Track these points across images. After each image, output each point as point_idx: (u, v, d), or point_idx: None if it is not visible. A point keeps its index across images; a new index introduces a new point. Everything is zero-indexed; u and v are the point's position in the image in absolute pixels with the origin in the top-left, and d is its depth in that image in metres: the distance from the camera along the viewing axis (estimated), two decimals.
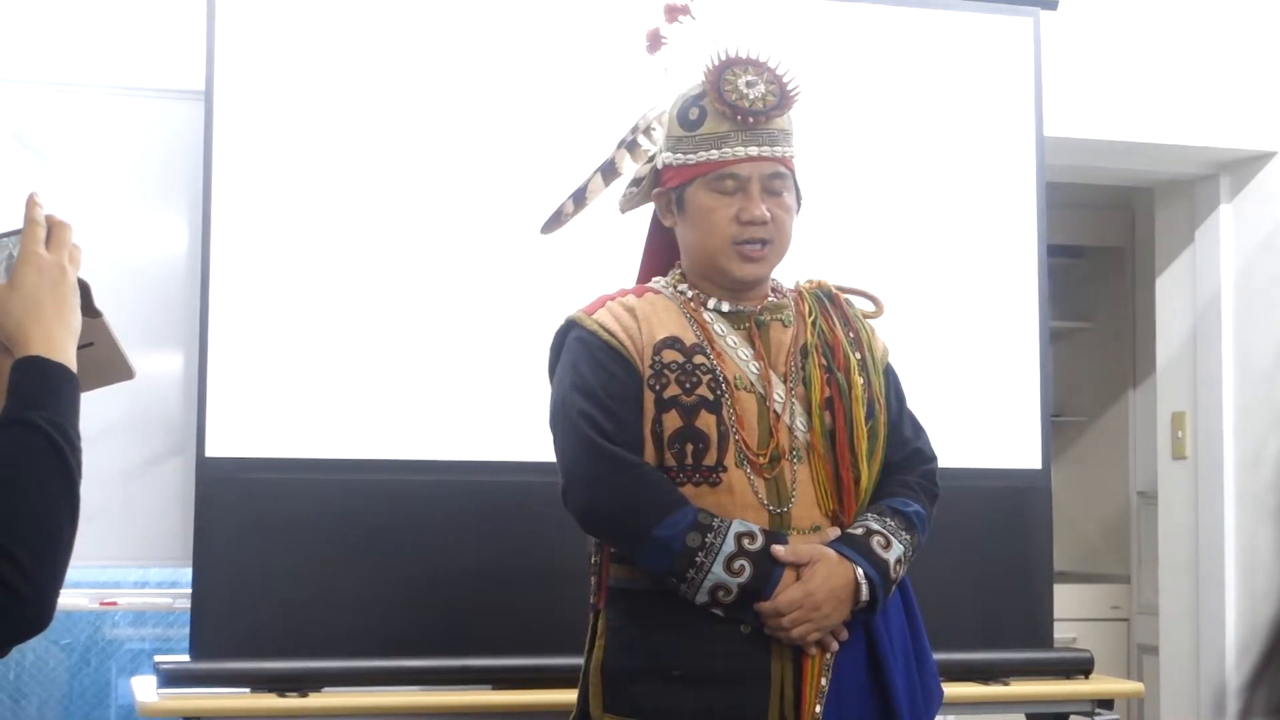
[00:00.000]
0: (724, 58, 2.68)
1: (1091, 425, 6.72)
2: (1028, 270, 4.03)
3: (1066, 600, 5.26)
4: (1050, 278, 4.15)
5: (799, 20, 3.90)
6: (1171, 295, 5.31)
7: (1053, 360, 4.35)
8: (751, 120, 2.65)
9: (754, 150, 2.65)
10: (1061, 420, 6.38)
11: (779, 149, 2.68)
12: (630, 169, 2.96)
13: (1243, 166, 4.96)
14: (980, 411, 3.92)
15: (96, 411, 3.55)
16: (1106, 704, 3.77)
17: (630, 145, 3.01)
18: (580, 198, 3.09)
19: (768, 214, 2.64)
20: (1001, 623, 3.90)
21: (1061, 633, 4.33)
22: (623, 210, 2.91)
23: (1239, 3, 4.80)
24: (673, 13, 2.87)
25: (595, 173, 3.08)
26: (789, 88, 2.68)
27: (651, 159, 2.85)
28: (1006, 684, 3.74)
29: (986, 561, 3.88)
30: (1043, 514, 3.99)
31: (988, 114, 4.07)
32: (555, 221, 3.11)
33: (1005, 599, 3.92)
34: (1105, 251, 6.65)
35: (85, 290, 1.78)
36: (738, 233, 2.65)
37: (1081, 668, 3.86)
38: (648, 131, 2.95)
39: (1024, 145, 4.07)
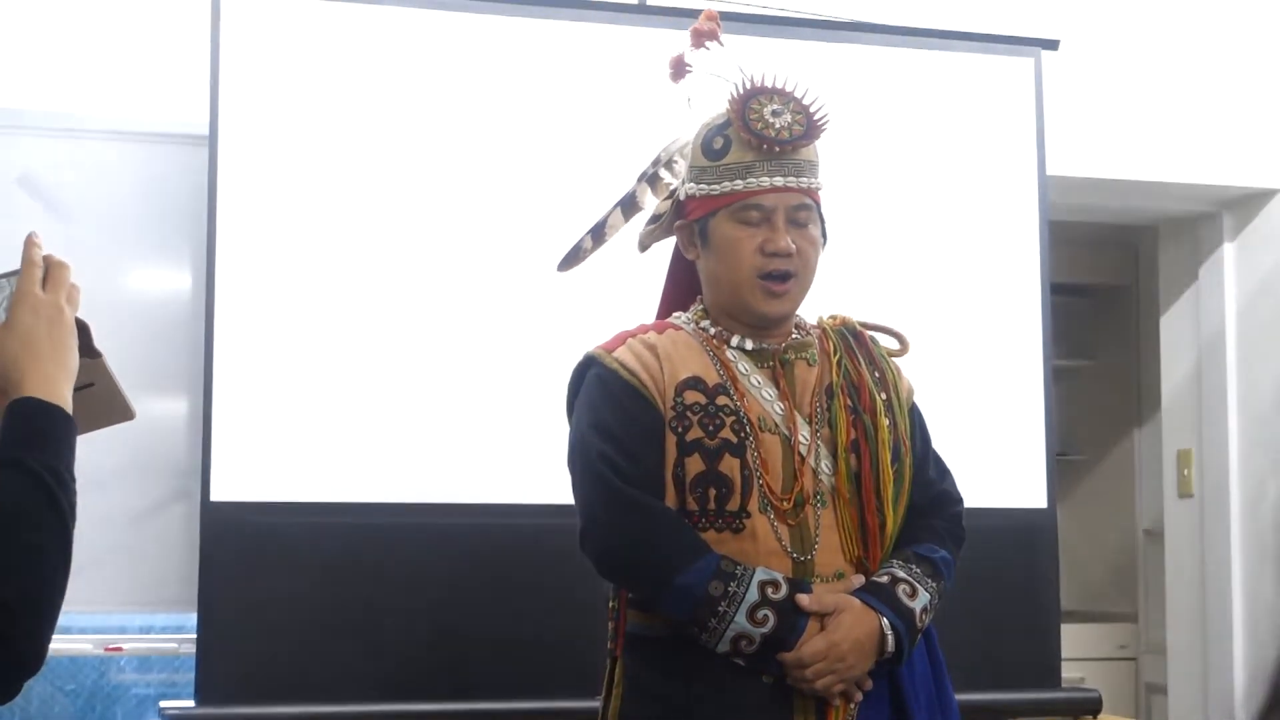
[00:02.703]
0: (750, 86, 2.62)
1: (1097, 463, 6.72)
2: (1031, 308, 4.04)
3: (1074, 639, 5.24)
4: (1054, 316, 4.15)
5: (803, 62, 3.90)
6: (1175, 333, 5.31)
7: (1057, 398, 4.35)
8: (777, 149, 2.58)
9: (779, 181, 2.58)
10: (1066, 459, 6.37)
11: (805, 180, 2.60)
12: (651, 204, 2.87)
13: (1245, 204, 4.96)
14: (985, 450, 3.90)
15: (101, 456, 3.57)
16: None
17: (651, 179, 2.94)
18: (599, 233, 3.01)
19: (793, 246, 2.57)
20: (1009, 662, 3.88)
21: (1069, 672, 4.31)
22: (642, 248, 2.83)
23: (1240, 41, 4.81)
24: (699, 37, 2.82)
25: (615, 207, 3.00)
26: (816, 118, 2.62)
27: (672, 193, 2.77)
28: None
29: (993, 601, 3.86)
30: (1049, 553, 3.99)
31: (990, 153, 4.08)
32: (573, 258, 3.03)
33: (1012, 639, 3.90)
34: (1109, 289, 6.66)
35: (85, 331, 1.77)
36: (762, 264, 2.57)
37: (1089, 708, 3.84)
38: (669, 165, 2.87)
39: (1026, 184, 4.08)
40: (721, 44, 2.78)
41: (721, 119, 2.66)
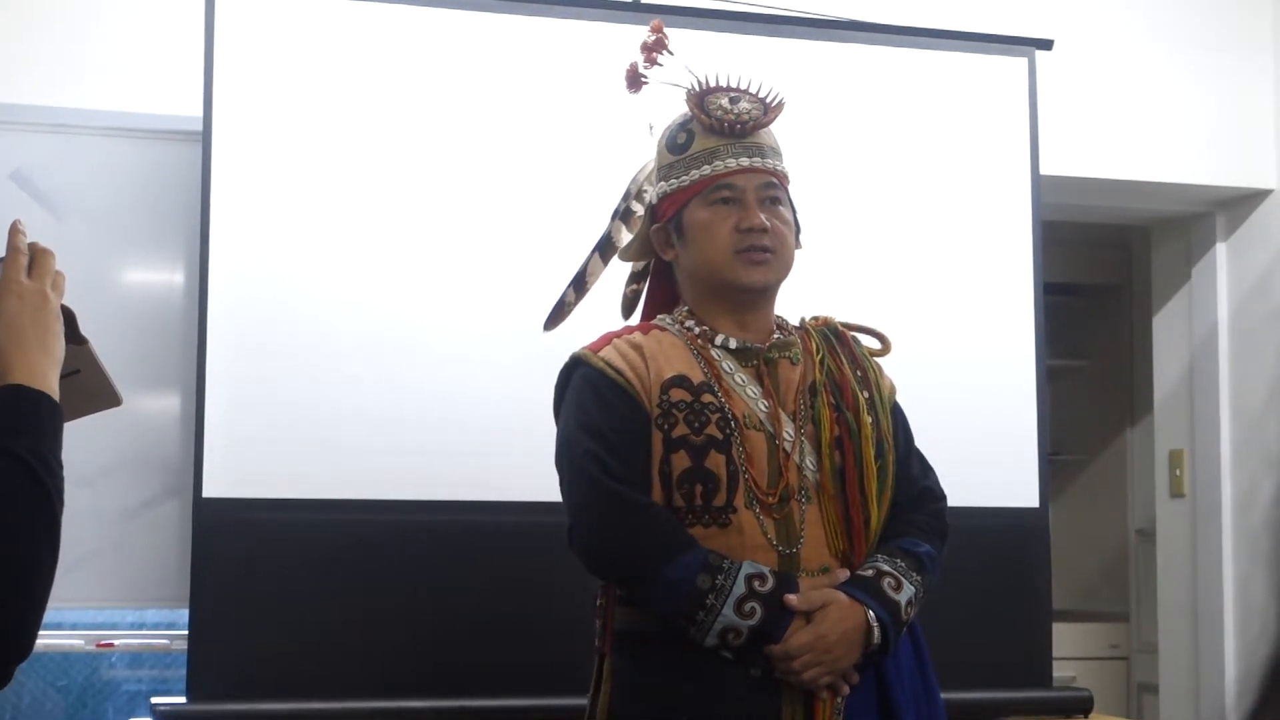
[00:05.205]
0: (704, 86, 2.69)
1: (1089, 463, 6.72)
2: (1024, 308, 4.04)
3: (1065, 639, 5.24)
4: (1047, 316, 4.15)
5: (797, 62, 3.91)
6: (1168, 333, 5.31)
7: (1050, 398, 4.34)
8: (739, 128, 2.65)
9: (746, 161, 2.64)
10: (1059, 458, 6.37)
11: (770, 162, 2.67)
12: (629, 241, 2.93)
13: (1238, 204, 4.97)
14: (978, 450, 3.90)
15: (94, 452, 3.57)
16: None
17: (624, 214, 2.97)
18: (580, 284, 3.04)
19: (767, 223, 2.62)
20: (1000, 662, 3.88)
21: (1060, 671, 4.32)
22: (627, 309, 2.89)
23: (1234, 41, 4.82)
24: (649, 51, 2.86)
25: (593, 252, 3.03)
26: (770, 102, 2.70)
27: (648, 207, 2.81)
28: None
29: (985, 600, 3.87)
30: (1041, 552, 3.99)
31: (984, 153, 4.08)
32: (557, 315, 3.07)
33: (1004, 638, 3.91)
34: (1102, 289, 6.66)
35: (70, 317, 1.76)
36: (738, 241, 2.61)
37: (1081, 707, 3.85)
38: (639, 196, 2.92)
39: (1020, 184, 4.08)
40: (672, 53, 2.81)
41: (682, 118, 2.73)
